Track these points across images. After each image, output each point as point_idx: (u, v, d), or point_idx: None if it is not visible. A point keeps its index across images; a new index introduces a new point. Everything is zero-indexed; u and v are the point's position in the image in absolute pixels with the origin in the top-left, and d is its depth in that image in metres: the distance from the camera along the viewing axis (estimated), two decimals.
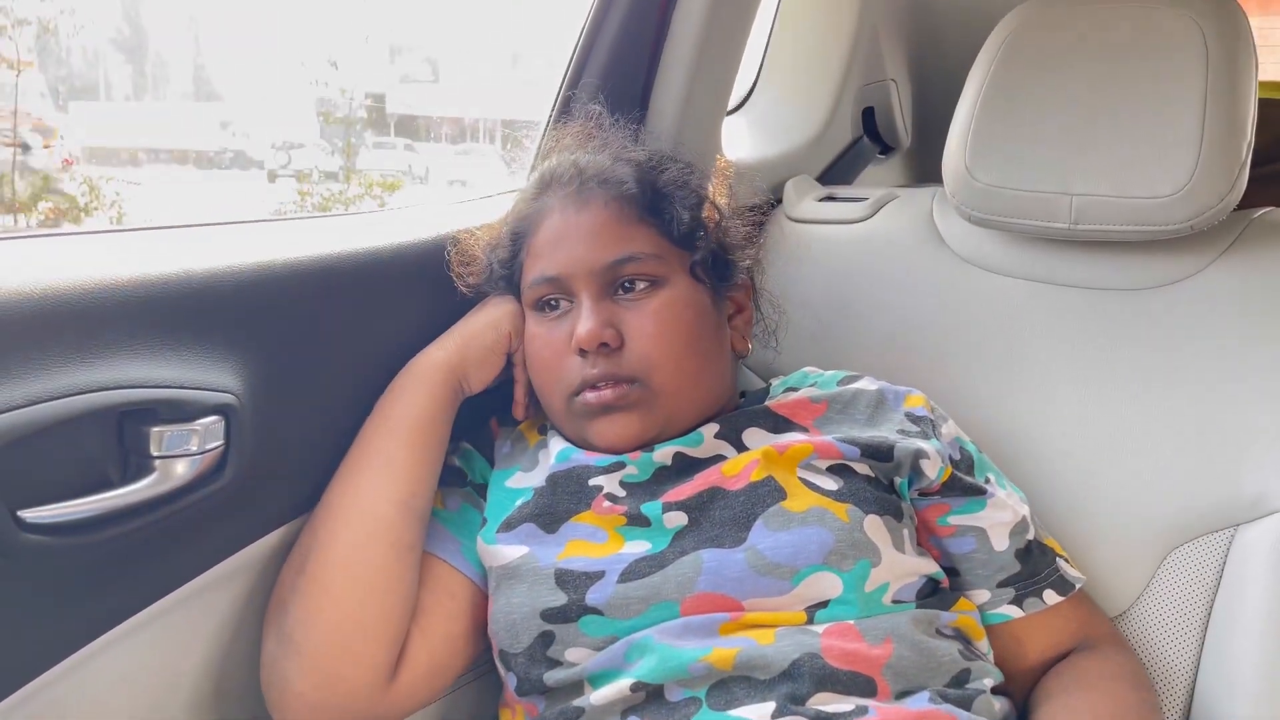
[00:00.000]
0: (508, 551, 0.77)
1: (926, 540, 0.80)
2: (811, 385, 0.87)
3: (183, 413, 0.67)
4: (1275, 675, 0.78)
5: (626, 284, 0.79)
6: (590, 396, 0.78)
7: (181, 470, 0.68)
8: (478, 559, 0.80)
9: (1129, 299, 0.91)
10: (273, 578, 0.78)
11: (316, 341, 0.79)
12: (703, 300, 0.83)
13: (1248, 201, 0.95)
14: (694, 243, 0.83)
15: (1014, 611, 0.78)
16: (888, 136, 1.27)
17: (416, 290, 0.86)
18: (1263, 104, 1.04)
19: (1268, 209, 0.93)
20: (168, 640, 0.74)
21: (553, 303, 0.81)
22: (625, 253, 0.79)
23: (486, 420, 0.89)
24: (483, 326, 0.84)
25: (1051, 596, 0.79)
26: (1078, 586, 0.80)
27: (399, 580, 0.76)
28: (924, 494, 0.79)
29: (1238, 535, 0.82)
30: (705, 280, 0.83)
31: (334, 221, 0.94)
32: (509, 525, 0.78)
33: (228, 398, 0.70)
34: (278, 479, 0.77)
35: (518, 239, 0.84)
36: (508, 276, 0.85)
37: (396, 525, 0.77)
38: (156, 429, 0.67)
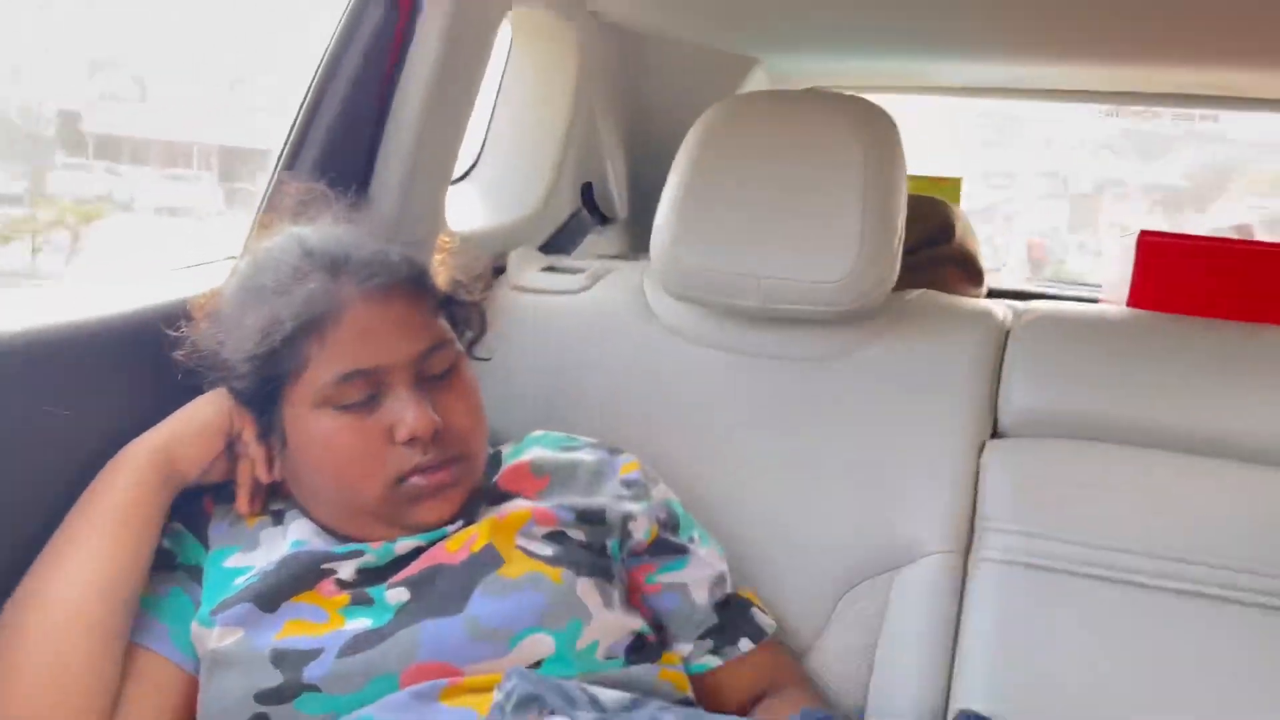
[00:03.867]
0: (222, 634, 0.75)
1: (636, 598, 0.86)
2: (537, 448, 0.92)
3: None
4: (930, 698, 0.91)
5: (432, 370, 0.82)
6: (421, 480, 0.79)
7: None
8: (190, 645, 0.78)
9: (809, 368, 1.03)
10: None
11: (13, 427, 0.74)
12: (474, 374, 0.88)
13: (908, 284, 1.12)
14: (469, 325, 0.89)
15: (714, 661, 0.86)
16: (605, 209, 1.35)
17: (130, 371, 0.82)
18: (919, 200, 1.22)
19: (919, 290, 1.09)
20: None
21: (359, 397, 0.79)
22: (433, 341, 0.81)
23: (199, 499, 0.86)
24: (199, 404, 0.82)
25: (746, 644, 0.87)
26: (769, 633, 0.89)
27: (98, 672, 0.72)
28: (633, 554, 0.86)
29: (896, 577, 0.95)
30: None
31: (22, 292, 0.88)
32: (225, 606, 0.76)
33: None
34: None
35: (304, 330, 0.78)
36: (261, 370, 0.79)
37: (96, 613, 0.73)
38: None
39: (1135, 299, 1.05)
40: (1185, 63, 1.22)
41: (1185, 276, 1.02)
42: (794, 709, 0.84)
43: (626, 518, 0.84)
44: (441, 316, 0.85)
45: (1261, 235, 2.39)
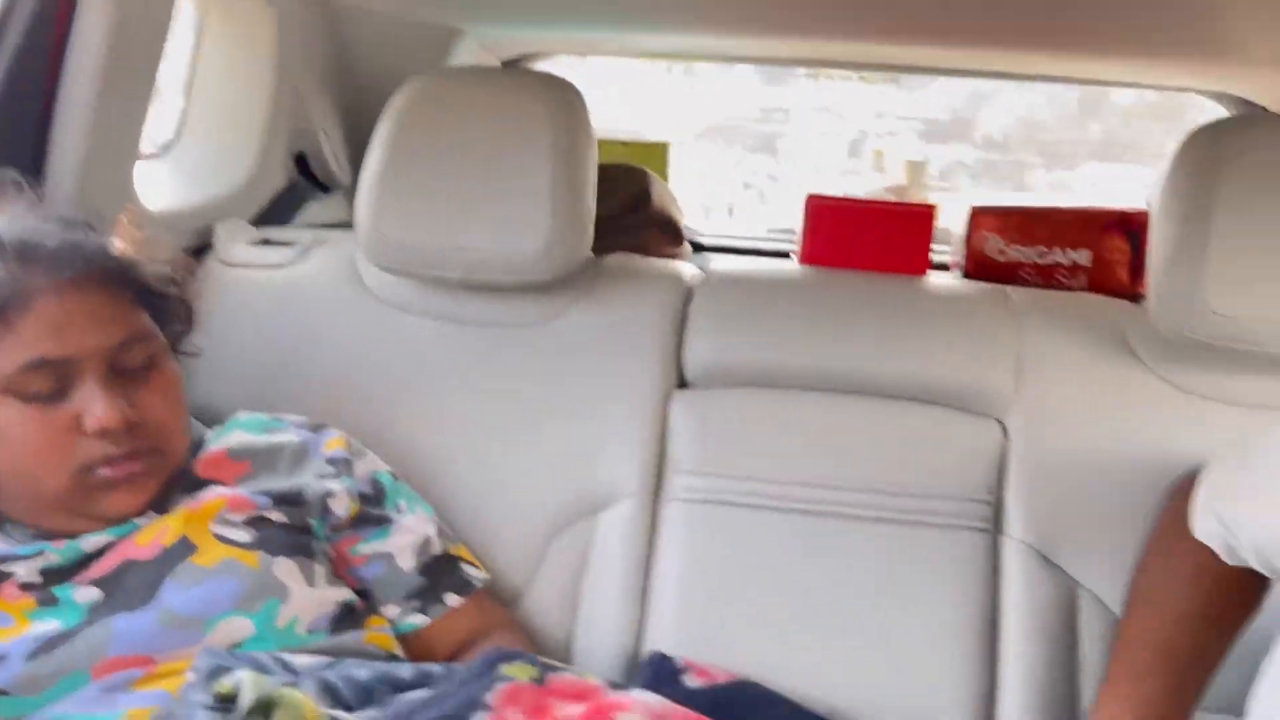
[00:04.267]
0: None
1: (344, 571, 0.90)
2: (238, 431, 0.93)
3: None
4: (627, 632, 1.00)
5: (128, 363, 0.81)
6: (108, 471, 0.79)
7: None
8: None
9: (517, 334, 1.09)
10: None
11: None
12: (178, 366, 0.88)
13: (608, 248, 1.19)
14: (174, 319, 0.89)
15: (421, 619, 0.91)
16: (324, 178, 1.35)
17: None
18: (615, 169, 1.30)
19: (617, 255, 1.16)
20: None
21: (45, 387, 0.78)
22: (129, 334, 0.81)
23: None
24: None
25: (453, 599, 0.92)
26: (477, 586, 0.95)
27: None
28: (336, 530, 0.89)
29: (597, 522, 1.03)
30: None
31: None
32: None
33: None
34: None
35: None
36: None
37: None
38: None
39: (805, 256, 1.17)
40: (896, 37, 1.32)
41: (843, 235, 1.15)
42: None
43: (326, 496, 0.88)
44: (143, 309, 0.85)
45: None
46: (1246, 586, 0.83)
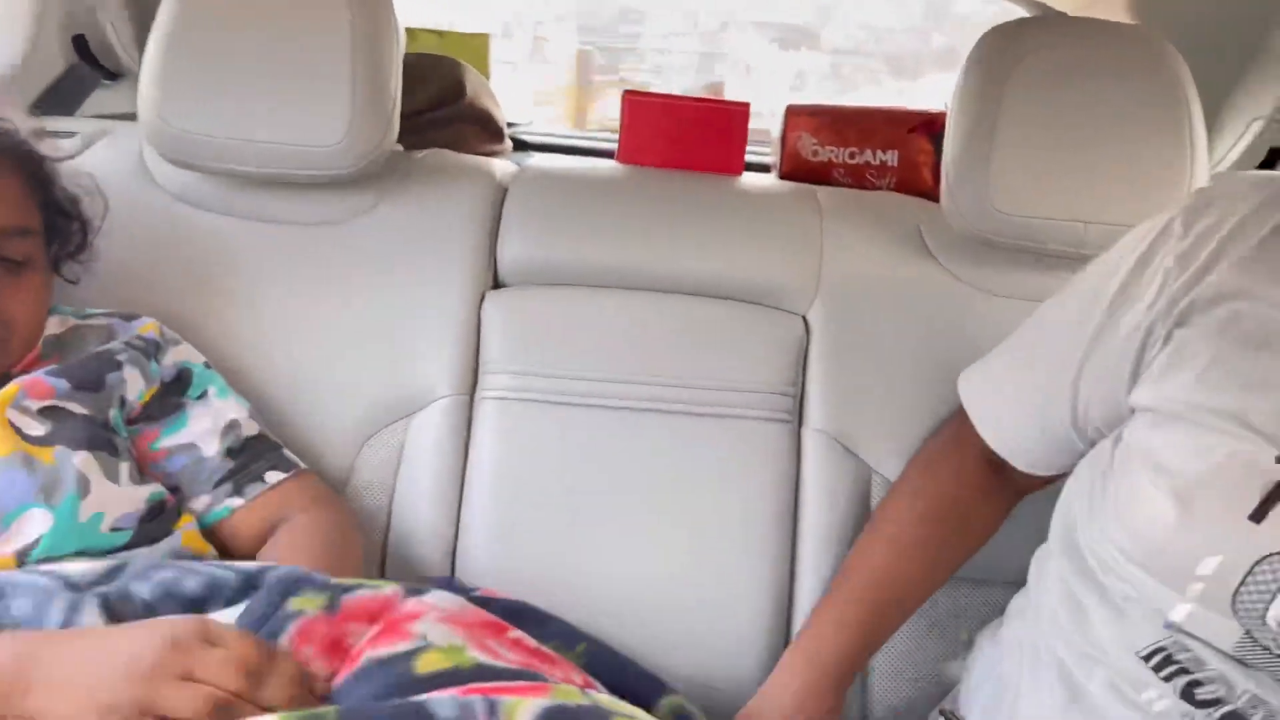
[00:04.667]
0: None
1: (148, 468, 0.87)
2: (52, 316, 0.89)
3: None
4: (443, 525, 1.01)
5: (7, 251, 0.81)
6: None
7: None
8: None
9: (321, 232, 1.05)
10: None
11: None
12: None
13: (421, 144, 1.15)
14: (67, 240, 0.90)
15: (237, 501, 0.88)
16: (110, 64, 1.25)
17: None
18: (426, 60, 1.24)
19: (428, 151, 1.13)
20: None
21: None
22: (19, 225, 0.82)
23: None
24: None
25: (274, 475, 0.90)
26: (302, 466, 0.93)
27: None
28: (133, 421, 0.86)
29: (412, 421, 1.02)
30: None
31: None
32: None
33: None
34: None
35: None
36: None
37: None
38: None
39: (622, 154, 1.16)
40: None
41: (659, 133, 1.14)
42: (319, 527, 0.89)
43: (122, 381, 0.85)
44: (41, 215, 0.86)
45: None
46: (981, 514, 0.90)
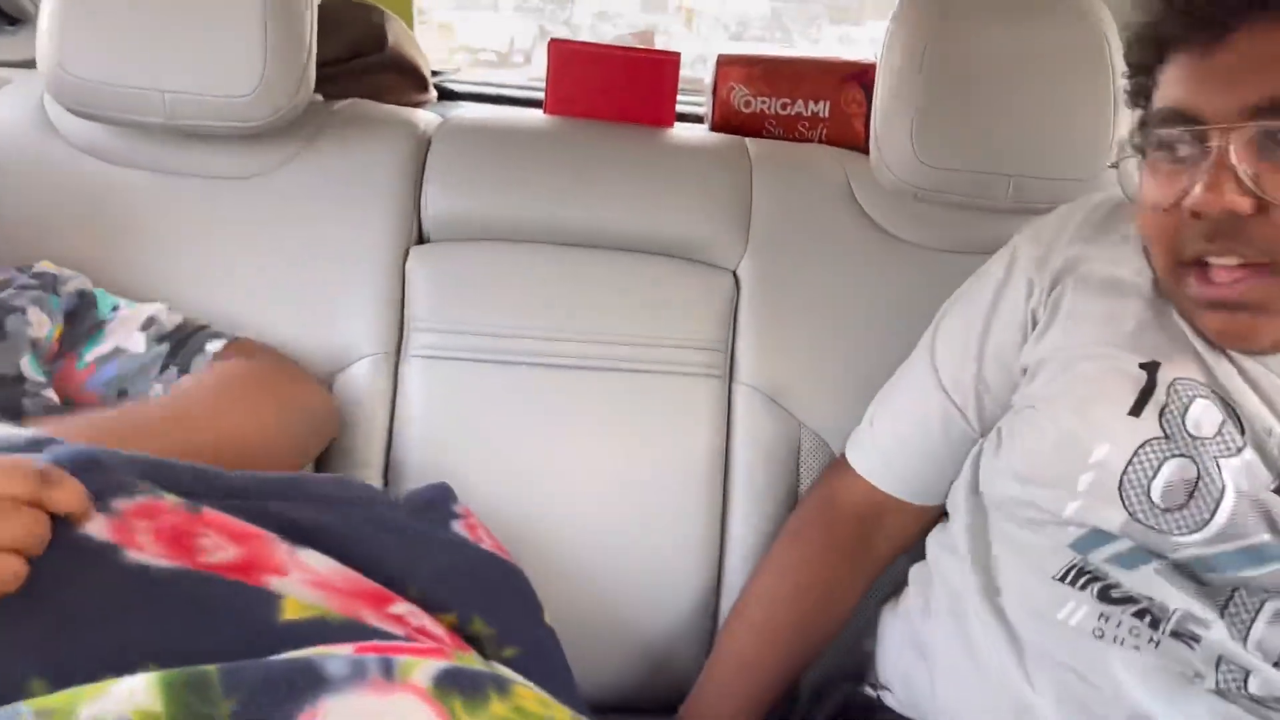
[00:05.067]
0: None
1: (80, 390, 0.84)
2: None
3: None
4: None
5: None
6: None
7: None
8: None
9: (237, 186, 1.01)
10: None
11: None
12: None
13: (340, 94, 1.11)
14: None
15: (187, 380, 0.85)
16: (8, 7, 1.18)
17: None
18: (343, 6, 1.20)
19: (348, 101, 1.09)
20: None
21: None
22: None
23: None
24: None
25: (215, 344, 0.88)
26: (241, 337, 0.91)
27: None
28: (50, 359, 0.83)
29: (335, 381, 1.00)
30: None
31: None
32: None
33: None
34: None
35: None
36: None
37: None
38: None
39: (550, 105, 1.13)
40: None
41: (587, 83, 1.12)
42: (232, 370, 0.86)
43: (27, 324, 0.81)
44: None
45: None
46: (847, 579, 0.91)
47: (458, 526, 0.73)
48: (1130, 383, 0.72)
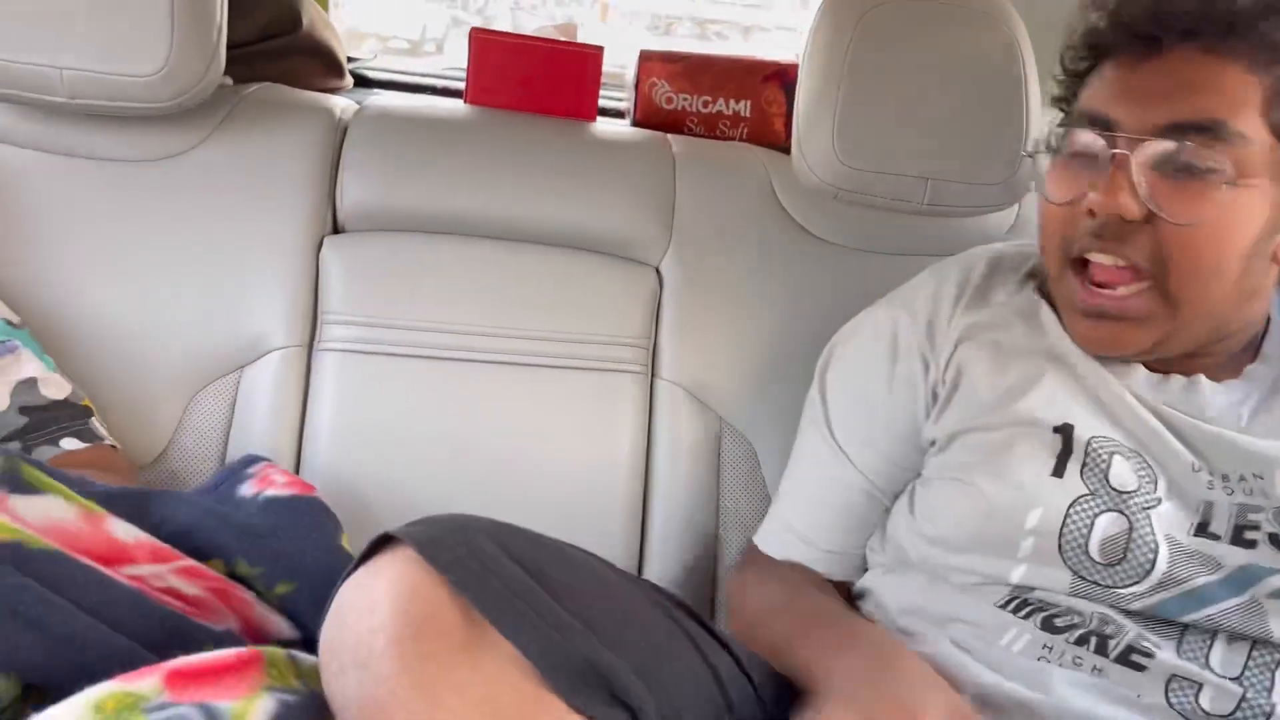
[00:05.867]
0: None
1: None
2: None
3: None
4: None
5: None
6: None
7: None
8: None
9: (142, 170, 0.97)
10: None
11: None
12: None
13: (251, 77, 1.08)
14: None
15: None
16: None
17: None
18: None
19: (259, 85, 1.05)
20: None
21: None
22: None
23: None
24: None
25: (71, 443, 0.84)
26: (106, 440, 0.87)
27: None
28: None
29: (243, 375, 0.97)
30: None
31: None
32: None
33: None
34: None
35: None
36: None
37: None
38: None
39: (471, 95, 1.12)
40: None
41: (509, 74, 1.10)
42: None
43: None
44: None
45: None
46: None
47: (245, 487, 0.83)
48: (1046, 447, 0.73)
